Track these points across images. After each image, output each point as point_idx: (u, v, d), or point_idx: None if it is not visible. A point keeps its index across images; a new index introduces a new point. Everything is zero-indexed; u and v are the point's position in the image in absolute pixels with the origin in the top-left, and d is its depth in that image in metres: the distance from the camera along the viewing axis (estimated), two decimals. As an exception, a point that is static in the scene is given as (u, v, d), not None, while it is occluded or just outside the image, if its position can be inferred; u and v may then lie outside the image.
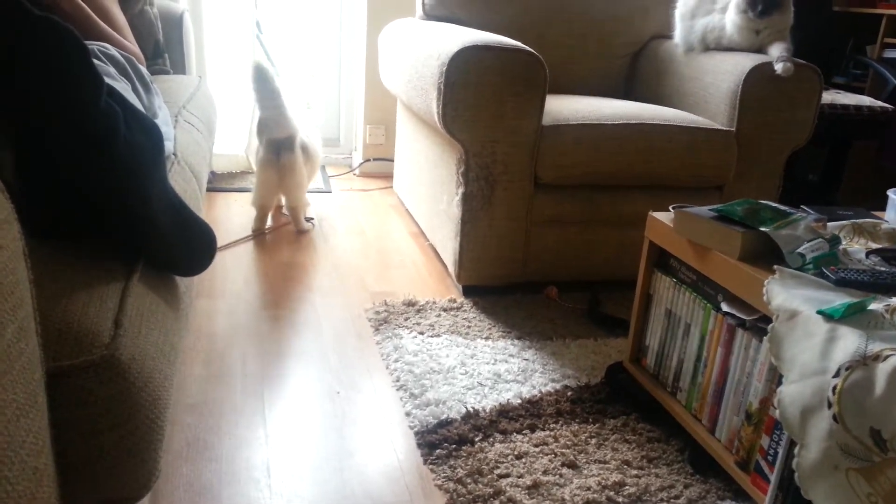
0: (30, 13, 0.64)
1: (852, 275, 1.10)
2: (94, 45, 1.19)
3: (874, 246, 1.33)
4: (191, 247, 0.85)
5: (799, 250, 1.16)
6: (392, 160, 2.77)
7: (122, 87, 1.09)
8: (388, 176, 2.87)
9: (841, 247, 1.26)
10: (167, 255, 0.83)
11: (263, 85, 2.01)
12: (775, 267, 1.13)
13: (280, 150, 2.05)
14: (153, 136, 0.79)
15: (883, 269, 1.18)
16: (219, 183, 2.66)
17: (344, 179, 2.93)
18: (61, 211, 0.79)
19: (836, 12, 2.98)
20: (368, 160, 2.98)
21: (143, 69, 1.38)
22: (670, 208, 1.42)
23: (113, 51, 1.23)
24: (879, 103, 2.51)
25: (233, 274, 1.93)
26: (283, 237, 2.23)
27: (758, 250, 1.19)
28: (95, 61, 1.13)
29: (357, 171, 3.00)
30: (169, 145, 1.24)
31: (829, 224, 1.35)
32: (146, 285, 0.78)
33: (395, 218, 2.52)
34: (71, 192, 0.75)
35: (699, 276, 1.29)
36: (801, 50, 2.04)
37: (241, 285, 1.87)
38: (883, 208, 1.50)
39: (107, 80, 1.05)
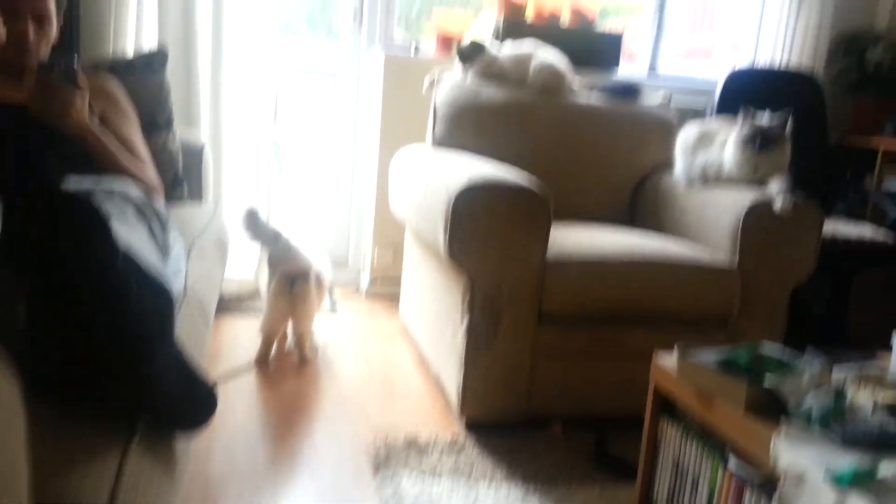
0: (58, 192, 0.68)
1: (860, 433, 1.08)
2: (114, 188, 1.24)
3: (881, 395, 1.31)
4: (193, 406, 0.86)
5: (805, 404, 1.15)
6: (399, 282, 2.80)
7: (138, 233, 1.13)
8: (395, 298, 2.89)
9: (848, 398, 1.25)
10: (169, 414, 0.83)
11: (258, 230, 2.08)
12: (782, 422, 1.11)
13: (294, 281, 2.08)
14: (164, 301, 0.82)
15: (892, 425, 1.16)
16: (226, 308, 2.68)
17: (351, 301, 2.95)
18: (67, 368, 0.80)
19: (834, 145, 3.08)
20: (376, 281, 3.01)
21: (161, 204, 1.44)
22: (675, 348, 1.42)
23: (133, 192, 1.28)
24: (881, 235, 2.55)
25: (234, 405, 1.92)
26: (287, 364, 2.22)
27: (763, 402, 1.18)
28: (115, 204, 1.18)
29: (364, 293, 3.03)
30: (180, 284, 1.27)
31: (834, 371, 1.34)
32: (145, 448, 0.78)
33: (401, 344, 2.51)
34: (78, 352, 0.76)
35: (706, 425, 1.27)
36: (800, 180, 2.09)
37: (242, 417, 1.85)
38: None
39: (124, 226, 1.10)
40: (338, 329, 2.60)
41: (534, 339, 1.86)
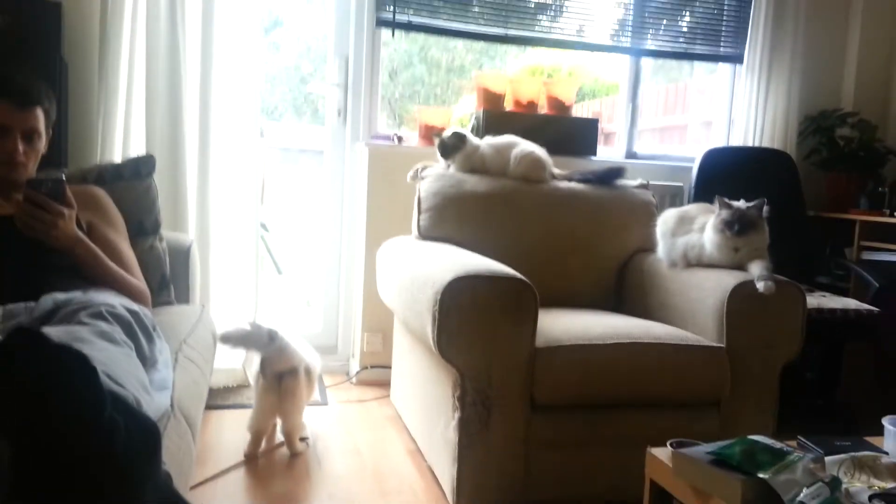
0: (49, 344, 0.70)
1: (858, 528, 1.07)
2: (101, 308, 1.26)
3: (876, 483, 1.31)
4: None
5: (800, 498, 1.14)
6: (389, 367, 2.78)
7: (125, 357, 1.13)
8: (384, 384, 2.87)
9: (843, 487, 1.24)
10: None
11: (253, 341, 2.09)
12: (778, 519, 1.10)
13: (283, 376, 2.07)
14: (151, 438, 0.82)
15: (889, 516, 1.15)
16: (213, 399, 2.64)
17: (341, 389, 2.92)
18: None
19: (811, 217, 3.14)
20: (366, 368, 2.99)
21: (147, 315, 1.44)
22: (668, 444, 1.41)
23: (119, 309, 1.29)
24: (865, 306, 2.57)
25: (223, 506, 1.88)
26: (276, 461, 2.18)
27: (758, 497, 1.17)
28: (103, 324, 1.18)
29: (354, 380, 3.00)
30: (166, 399, 1.26)
31: (827, 459, 1.34)
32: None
33: (393, 433, 2.48)
34: (64, 491, 0.76)
35: (703, 522, 1.25)
36: (781, 255, 2.13)
37: (232, 519, 1.81)
38: (886, 412, 1.50)
39: (111, 354, 1.10)
40: (328, 419, 2.57)
41: (527, 429, 1.84)
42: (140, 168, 2.06)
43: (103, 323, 1.20)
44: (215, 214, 2.67)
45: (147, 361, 1.31)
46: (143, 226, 2.00)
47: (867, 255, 2.99)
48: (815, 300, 2.56)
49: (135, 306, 1.39)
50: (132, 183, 2.03)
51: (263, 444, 2.21)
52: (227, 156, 2.69)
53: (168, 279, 2.02)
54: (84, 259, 1.57)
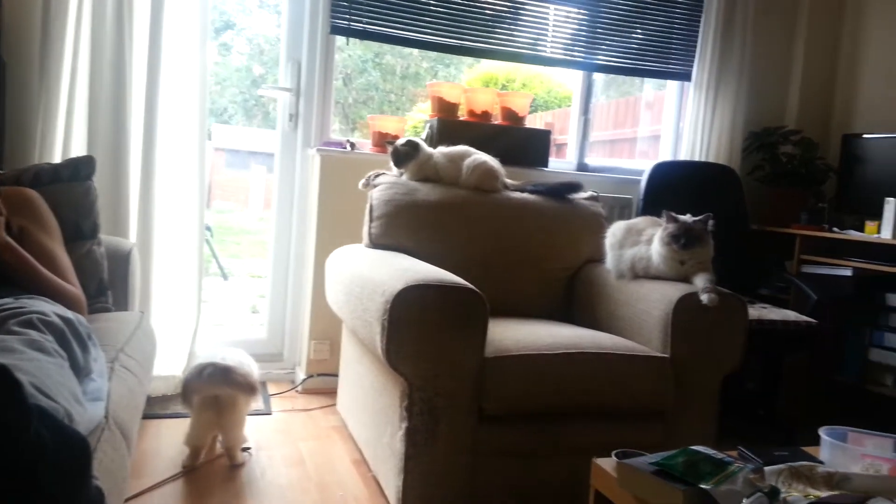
0: None
1: (795, 538, 1.09)
2: (33, 316, 1.20)
3: (812, 492, 1.34)
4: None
5: (741, 508, 1.16)
6: (336, 375, 2.74)
7: (56, 368, 1.08)
8: (331, 392, 2.83)
9: (781, 496, 1.26)
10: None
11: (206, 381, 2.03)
12: (719, 530, 1.11)
13: (209, 379, 2.00)
14: (81, 455, 0.78)
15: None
16: (152, 408, 2.56)
17: (286, 398, 2.87)
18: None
19: (754, 231, 3.23)
20: (312, 376, 2.95)
21: (82, 323, 1.38)
22: (612, 455, 1.42)
23: (52, 317, 1.23)
24: (804, 318, 2.65)
25: (161, 520, 1.81)
26: (216, 473, 2.11)
27: (701, 508, 1.18)
28: (33, 332, 1.13)
29: (300, 388, 2.95)
30: (100, 410, 1.21)
31: (766, 469, 1.36)
32: None
33: (338, 442, 2.44)
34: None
35: (646, 533, 1.26)
36: (725, 267, 2.18)
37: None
38: (823, 423, 1.54)
39: (41, 356, 1.05)
40: (271, 428, 2.51)
41: (474, 440, 1.84)
42: (80, 169, 1.99)
43: (34, 332, 1.15)
44: (159, 218, 2.60)
45: (81, 371, 1.26)
46: (80, 229, 1.93)
47: (807, 269, 3.08)
48: (756, 311, 2.63)
49: (69, 314, 1.33)
50: (71, 185, 1.95)
51: (203, 455, 2.15)
52: (172, 158, 2.63)
53: (106, 285, 1.95)
54: (14, 265, 1.51)
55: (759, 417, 2.90)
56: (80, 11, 2.39)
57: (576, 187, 2.63)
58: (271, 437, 2.44)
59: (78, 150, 2.43)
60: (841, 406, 3.01)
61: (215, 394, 2.03)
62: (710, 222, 2.13)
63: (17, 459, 0.68)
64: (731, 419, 2.13)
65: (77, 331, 1.29)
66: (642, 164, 3.33)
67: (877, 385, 2.89)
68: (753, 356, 2.07)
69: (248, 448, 2.27)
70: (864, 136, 3.23)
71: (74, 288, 1.67)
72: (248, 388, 2.07)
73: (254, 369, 2.18)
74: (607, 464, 1.40)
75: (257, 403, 2.47)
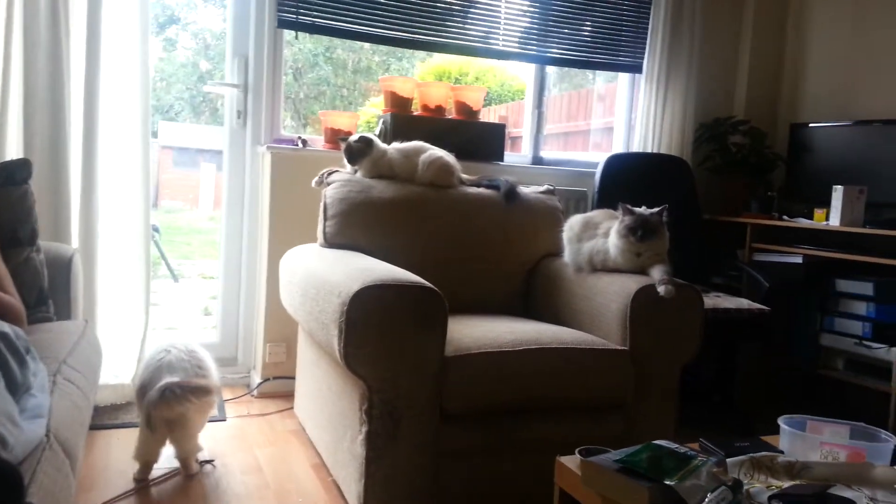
0: None
1: (760, 530, 1.09)
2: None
3: (774, 482, 1.35)
4: None
5: (705, 503, 1.16)
6: (293, 378, 2.68)
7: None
8: (287, 395, 2.77)
9: (744, 488, 1.27)
10: None
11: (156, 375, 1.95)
12: (685, 526, 1.11)
13: (171, 399, 1.90)
14: (10, 485, 0.72)
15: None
16: (101, 418, 2.47)
17: (241, 403, 2.80)
18: None
19: (706, 220, 3.27)
20: (268, 379, 2.88)
21: (20, 336, 1.31)
22: (576, 452, 1.40)
23: (-16, 327, 1.16)
24: (757, 305, 2.70)
25: (111, 537, 1.74)
26: (169, 484, 2.03)
27: (666, 503, 1.18)
28: None
29: (255, 393, 2.88)
30: (41, 429, 1.14)
31: (728, 461, 1.37)
32: None
33: (296, 447, 2.39)
34: None
35: (612, 531, 1.25)
36: (679, 257, 2.19)
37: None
38: (779, 408, 1.55)
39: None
40: (226, 435, 2.44)
41: (436, 440, 1.81)
42: (14, 173, 1.88)
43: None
44: (102, 220, 2.50)
45: (19, 388, 1.19)
46: (17, 236, 1.82)
47: (758, 257, 3.13)
48: (711, 300, 2.66)
49: (4, 327, 1.25)
50: (5, 190, 1.85)
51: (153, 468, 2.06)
52: (115, 157, 2.52)
53: (46, 293, 1.85)
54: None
55: (715, 405, 2.94)
56: (11, 3, 2.27)
57: (514, 193, 2.52)
58: (227, 444, 2.37)
59: (13, 151, 2.32)
60: (795, 391, 3.07)
61: (180, 414, 1.93)
62: (665, 214, 2.14)
63: None
64: (688, 407, 2.15)
65: (13, 345, 1.22)
66: (596, 157, 3.34)
67: (829, 370, 2.96)
68: (708, 344, 2.09)
69: (212, 461, 2.19)
70: (811, 124, 3.29)
71: (12, 298, 1.58)
72: (209, 403, 2.01)
73: (210, 365, 2.09)
74: (571, 462, 1.38)
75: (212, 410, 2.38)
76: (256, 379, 2.92)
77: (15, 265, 1.76)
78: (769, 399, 3.06)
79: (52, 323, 1.82)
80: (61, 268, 1.94)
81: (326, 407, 2.13)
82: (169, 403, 1.88)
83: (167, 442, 2.02)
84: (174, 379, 1.93)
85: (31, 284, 1.80)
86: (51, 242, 2.11)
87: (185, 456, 2.04)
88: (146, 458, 2.01)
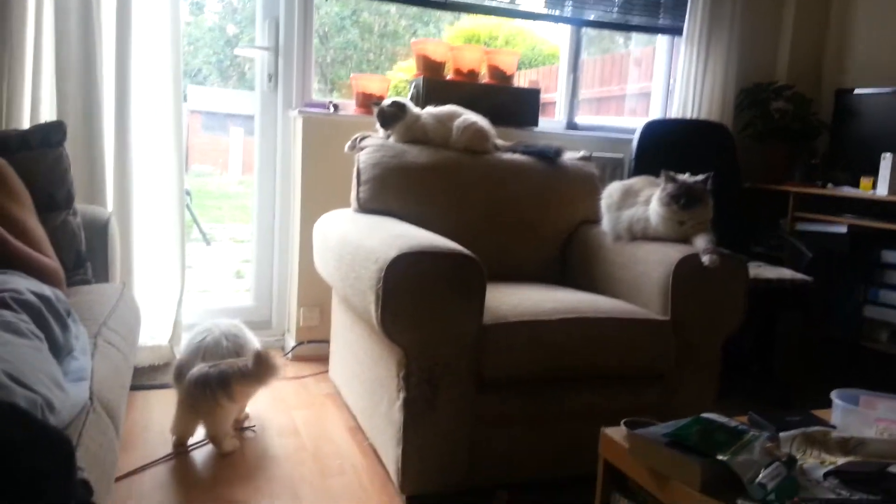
0: None
1: (818, 508, 1.06)
2: (6, 295, 1.11)
3: (827, 458, 1.31)
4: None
5: (759, 479, 1.12)
6: (327, 342, 2.68)
7: (33, 346, 1.00)
8: (322, 359, 2.77)
9: (797, 464, 1.23)
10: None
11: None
12: (739, 502, 1.08)
13: (197, 393, 1.87)
14: (61, 455, 0.71)
15: (844, 494, 1.15)
16: (139, 379, 2.49)
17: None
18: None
19: (747, 189, 3.18)
20: (302, 343, 2.89)
21: (61, 299, 1.30)
22: (622, 424, 1.38)
23: (27, 295, 1.15)
24: (799, 275, 2.63)
25: (150, 499, 1.75)
26: (210, 448, 2.04)
27: (718, 479, 1.15)
28: (7, 313, 1.04)
29: (290, 356, 2.89)
30: (84, 392, 1.13)
31: (780, 436, 1.33)
32: None
33: (332, 410, 2.39)
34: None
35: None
36: (719, 226, 2.13)
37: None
38: (819, 379, 1.50)
39: (16, 339, 0.97)
40: (264, 397, 2.45)
41: (474, 408, 1.79)
42: (49, 136, 1.87)
43: (8, 312, 1.06)
44: (136, 184, 2.49)
45: (61, 351, 1.18)
46: (54, 199, 1.82)
47: (801, 226, 3.05)
48: (752, 270, 2.58)
49: (46, 290, 1.25)
50: (41, 153, 1.84)
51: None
52: (148, 120, 2.50)
53: (84, 256, 1.85)
54: (-14, 238, 1.41)
55: (754, 375, 2.89)
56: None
57: (558, 153, 2.52)
58: (264, 406, 2.38)
59: (47, 115, 2.31)
60: (836, 363, 3.01)
61: (209, 406, 1.91)
62: (710, 182, 2.07)
63: None
64: (726, 377, 2.11)
65: (55, 308, 1.21)
66: (632, 123, 3.26)
67: (872, 341, 2.88)
68: (748, 314, 2.04)
69: (253, 426, 2.20)
70: (857, 90, 3.17)
71: (51, 260, 1.57)
72: (243, 392, 1.97)
73: (251, 349, 2.03)
74: (617, 433, 1.36)
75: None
76: (291, 342, 2.93)
77: (52, 228, 1.76)
78: (809, 370, 3.00)
79: (91, 286, 1.82)
80: (98, 231, 1.94)
81: (362, 372, 2.12)
82: (195, 395, 1.87)
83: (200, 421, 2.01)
84: (205, 367, 1.90)
85: (68, 247, 1.80)
86: (86, 205, 2.11)
87: (214, 435, 2.00)
88: (181, 434, 2.01)
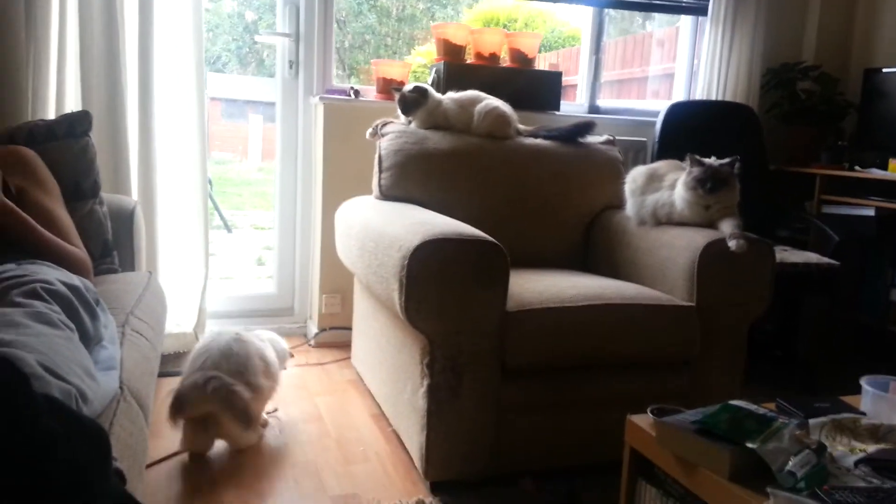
0: None
1: (848, 497, 1.05)
2: (37, 285, 1.13)
3: (857, 445, 1.29)
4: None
5: (789, 467, 1.11)
6: (349, 328, 2.70)
7: (65, 336, 1.02)
8: (344, 345, 2.79)
9: (827, 452, 1.22)
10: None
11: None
12: (769, 490, 1.07)
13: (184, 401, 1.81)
14: (98, 444, 0.72)
15: (875, 482, 1.14)
16: (164, 366, 2.51)
17: (299, 352, 2.83)
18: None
19: (773, 171, 3.14)
20: (324, 330, 2.90)
21: (90, 288, 1.31)
22: (648, 411, 1.37)
23: (57, 285, 1.16)
24: (826, 259, 2.59)
25: (176, 483, 1.78)
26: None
27: (747, 467, 1.14)
28: (39, 303, 1.06)
29: (313, 342, 2.91)
30: (115, 381, 1.15)
31: (810, 423, 1.32)
32: None
33: (355, 397, 2.41)
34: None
35: (688, 492, 1.22)
36: (743, 209, 2.10)
37: (185, 499, 1.71)
38: (844, 365, 1.48)
39: (48, 330, 0.98)
40: (287, 383, 2.46)
41: (498, 395, 1.79)
42: (75, 126, 1.89)
43: (39, 303, 1.08)
44: (160, 172, 2.50)
45: (91, 340, 1.20)
46: (80, 188, 1.84)
47: (827, 209, 3.00)
48: (778, 254, 2.55)
49: (75, 280, 1.26)
50: (67, 142, 1.86)
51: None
52: (170, 110, 2.52)
53: (111, 245, 1.87)
54: (15, 228, 1.43)
55: (778, 360, 2.86)
56: (65, -45, 2.25)
57: (588, 127, 2.52)
58: (288, 392, 2.39)
59: (72, 105, 2.32)
60: (862, 348, 2.97)
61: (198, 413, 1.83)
62: (737, 165, 2.04)
63: (26, 457, 0.62)
64: (750, 362, 2.09)
65: (84, 298, 1.22)
66: (655, 105, 3.22)
67: (899, 326, 2.84)
68: (773, 299, 2.02)
69: (275, 410, 2.21)
70: (886, 70, 3.10)
71: (79, 250, 1.59)
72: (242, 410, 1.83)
73: (257, 364, 1.93)
74: (643, 421, 1.35)
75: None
76: (313, 329, 2.95)
77: (79, 217, 1.78)
78: (834, 356, 2.96)
79: (118, 274, 1.84)
80: (124, 220, 1.96)
81: (385, 359, 2.13)
82: (183, 405, 1.81)
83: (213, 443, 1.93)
84: (195, 377, 1.82)
85: (95, 236, 1.82)
86: (112, 195, 2.12)
87: (233, 444, 1.94)
88: (195, 450, 1.93)
